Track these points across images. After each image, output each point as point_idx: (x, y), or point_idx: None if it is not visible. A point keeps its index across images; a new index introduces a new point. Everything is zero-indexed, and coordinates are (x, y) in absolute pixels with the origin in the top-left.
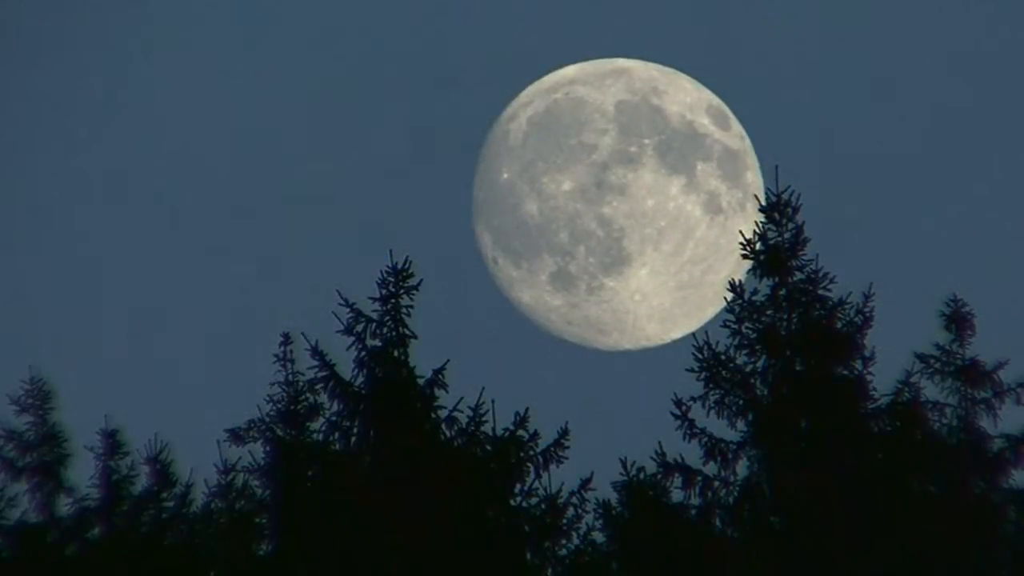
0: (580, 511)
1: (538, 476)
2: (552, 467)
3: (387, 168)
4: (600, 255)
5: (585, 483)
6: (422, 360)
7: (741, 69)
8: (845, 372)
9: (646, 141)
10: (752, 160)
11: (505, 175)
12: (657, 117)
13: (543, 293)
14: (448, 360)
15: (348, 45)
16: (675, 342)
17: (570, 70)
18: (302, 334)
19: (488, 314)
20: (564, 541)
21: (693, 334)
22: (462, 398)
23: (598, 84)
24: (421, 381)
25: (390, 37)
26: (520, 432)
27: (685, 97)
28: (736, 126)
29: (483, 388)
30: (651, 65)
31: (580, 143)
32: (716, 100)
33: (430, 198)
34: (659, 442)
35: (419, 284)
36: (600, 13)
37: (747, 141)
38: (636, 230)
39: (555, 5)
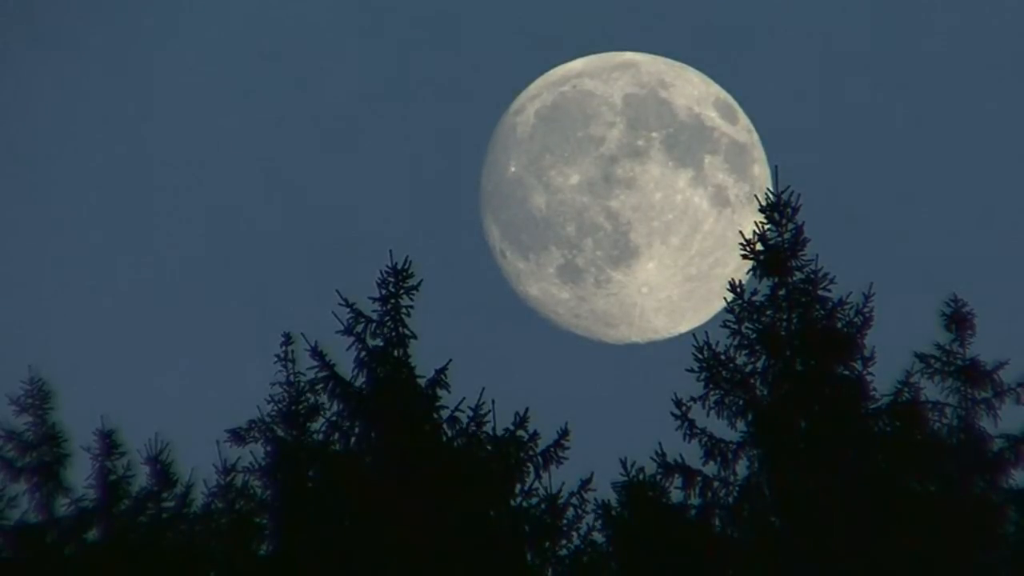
0: (580, 511)
1: (538, 476)
2: (552, 467)
3: (390, 163)
4: (608, 248)
5: (585, 483)
6: (428, 355)
7: (747, 64)
8: (845, 372)
9: (654, 134)
10: (759, 153)
11: (513, 168)
12: (665, 110)
13: (550, 286)
14: (450, 360)
15: (350, 39)
16: (682, 335)
17: (578, 63)
18: (302, 334)
19: (495, 307)
20: (564, 541)
21: (693, 333)
22: (464, 398)
23: (606, 77)
24: (422, 381)
25: (395, 31)
26: (520, 432)
27: (692, 90)
28: (743, 119)
29: (483, 388)
30: (659, 58)
31: (588, 136)
32: (723, 93)
33: (436, 191)
34: (659, 442)
35: (419, 284)
36: (607, 6)
37: (754, 134)
38: (643, 223)
39: None
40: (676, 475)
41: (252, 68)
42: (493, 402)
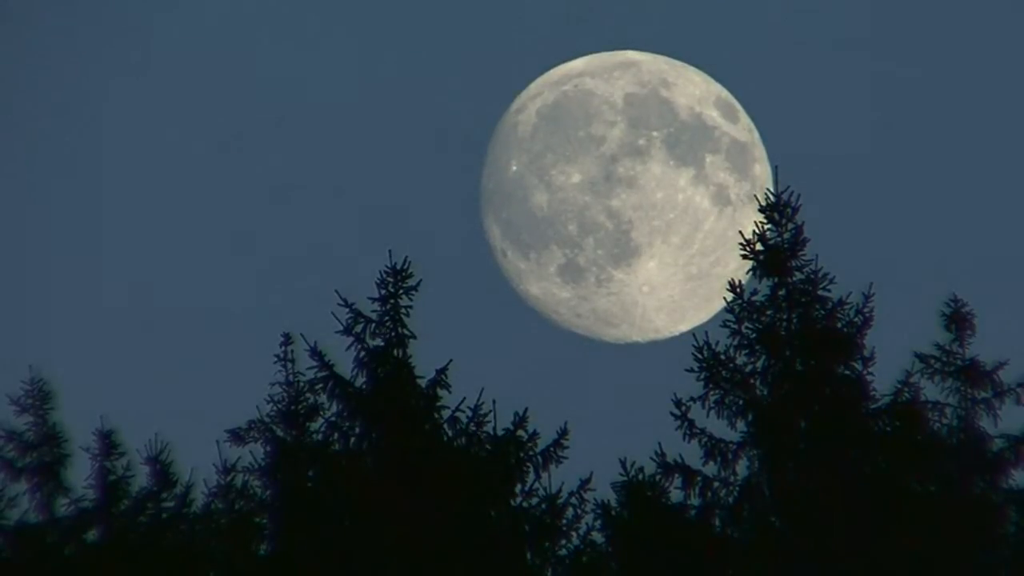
0: (580, 511)
1: (538, 476)
2: (552, 467)
3: (392, 162)
4: (609, 247)
5: (585, 483)
6: (428, 354)
7: (750, 63)
8: (845, 372)
9: (655, 133)
10: (760, 152)
11: (514, 167)
12: (666, 109)
13: (551, 285)
14: (451, 360)
15: (350, 38)
16: (683, 334)
17: (579, 62)
18: (302, 334)
19: (495, 307)
20: (564, 541)
21: (694, 333)
22: (464, 398)
23: (607, 76)
24: (422, 381)
25: (395, 31)
26: (520, 432)
27: (694, 90)
28: (744, 119)
29: (483, 388)
30: (660, 58)
31: (589, 135)
32: (724, 93)
33: (438, 190)
34: (659, 442)
35: (418, 284)
36: (608, 5)
37: (755, 134)
38: (645, 222)
39: None
40: (676, 475)
41: (251, 68)
42: (494, 402)
